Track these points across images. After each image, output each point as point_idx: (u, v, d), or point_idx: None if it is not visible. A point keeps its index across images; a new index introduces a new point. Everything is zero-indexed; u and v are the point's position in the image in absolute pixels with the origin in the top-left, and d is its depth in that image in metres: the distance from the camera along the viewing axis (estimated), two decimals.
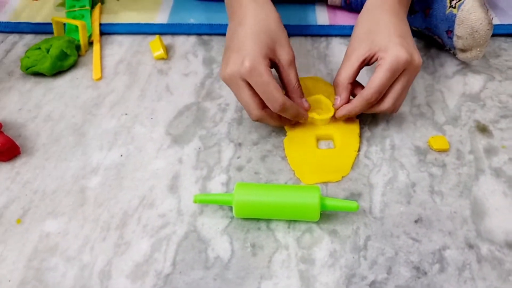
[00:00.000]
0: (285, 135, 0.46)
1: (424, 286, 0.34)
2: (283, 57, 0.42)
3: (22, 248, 0.36)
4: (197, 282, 0.35)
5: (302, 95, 0.44)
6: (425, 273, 0.35)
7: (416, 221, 0.39)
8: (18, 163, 0.43)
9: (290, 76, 0.43)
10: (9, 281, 0.34)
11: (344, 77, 0.43)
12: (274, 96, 0.39)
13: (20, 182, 0.41)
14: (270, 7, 0.44)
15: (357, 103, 0.43)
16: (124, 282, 0.34)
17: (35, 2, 0.64)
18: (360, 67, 0.44)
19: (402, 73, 0.41)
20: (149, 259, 0.36)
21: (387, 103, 0.43)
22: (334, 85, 0.45)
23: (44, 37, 0.57)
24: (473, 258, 0.36)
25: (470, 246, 0.37)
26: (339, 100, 0.45)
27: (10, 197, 0.40)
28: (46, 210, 0.39)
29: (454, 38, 0.51)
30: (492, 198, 0.40)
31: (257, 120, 0.43)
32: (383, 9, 0.44)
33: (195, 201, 0.38)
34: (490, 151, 0.44)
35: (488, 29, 0.49)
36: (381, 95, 0.42)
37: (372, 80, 0.41)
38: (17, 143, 0.44)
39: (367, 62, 0.43)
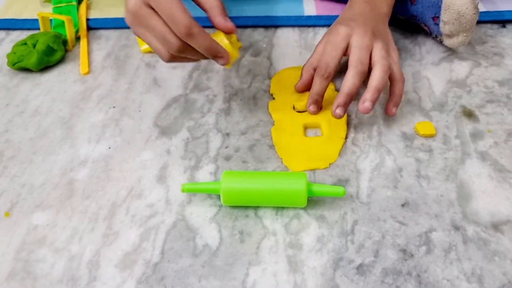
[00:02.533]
0: (273, 124, 0.46)
1: (410, 268, 0.35)
2: None
3: (11, 241, 0.37)
4: (186, 269, 0.35)
5: (224, 13, 0.38)
6: (412, 255, 0.36)
7: (403, 205, 0.39)
8: (6, 157, 0.43)
9: None
10: None
11: (333, 60, 0.45)
12: (178, 18, 0.34)
13: (8, 176, 0.41)
14: None
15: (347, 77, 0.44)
16: (113, 271, 0.35)
17: None
18: (343, 55, 0.45)
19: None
20: (138, 248, 0.36)
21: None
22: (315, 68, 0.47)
23: (31, 33, 0.57)
24: (459, 239, 0.37)
25: (456, 228, 0.37)
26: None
27: None
28: (34, 203, 0.39)
29: (441, 24, 0.51)
30: (478, 181, 0.41)
31: (169, 60, 0.37)
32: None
33: (183, 190, 0.38)
34: (476, 135, 0.45)
35: (474, 13, 0.49)
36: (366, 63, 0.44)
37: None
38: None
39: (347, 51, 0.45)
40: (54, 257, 0.35)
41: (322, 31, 0.58)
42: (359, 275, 0.34)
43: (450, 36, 0.52)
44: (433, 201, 0.39)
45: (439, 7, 0.50)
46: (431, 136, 0.45)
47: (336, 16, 0.59)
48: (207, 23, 0.39)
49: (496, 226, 0.37)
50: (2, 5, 0.62)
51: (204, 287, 0.34)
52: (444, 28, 0.51)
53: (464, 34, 0.51)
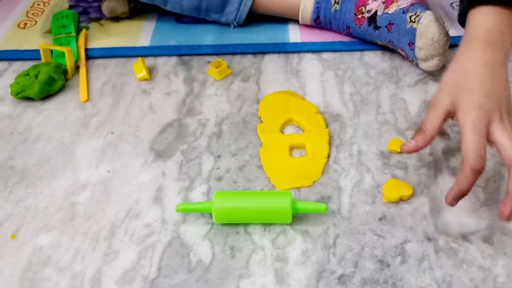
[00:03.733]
0: (261, 146, 0.49)
1: (387, 277, 0.38)
2: None
3: (17, 261, 0.39)
4: (181, 284, 0.38)
5: None
6: (388, 265, 0.39)
7: (380, 219, 0.42)
8: (11, 183, 0.46)
9: None
10: None
11: (431, 127, 0.40)
12: None
13: (13, 201, 0.44)
14: None
15: (462, 177, 0.38)
16: (113, 287, 0.37)
17: (22, 30, 0.67)
18: (445, 120, 0.41)
19: (490, 124, 0.38)
20: (136, 265, 0.39)
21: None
22: (419, 128, 0.42)
23: (32, 63, 0.61)
24: (431, 249, 0.40)
25: (429, 239, 0.41)
26: (412, 143, 0.41)
27: (4, 214, 0.43)
28: (39, 226, 0.42)
29: (416, 50, 0.55)
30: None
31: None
32: (477, 52, 0.41)
33: (177, 210, 0.41)
34: (447, 152, 0.49)
35: (446, 39, 0.54)
36: (483, 156, 0.37)
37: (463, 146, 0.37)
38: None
39: (451, 116, 0.40)
40: (59, 276, 0.38)
41: (306, 56, 0.62)
42: (340, 285, 0.37)
43: (425, 60, 0.56)
44: (408, 215, 0.43)
45: (414, 35, 0.55)
46: (397, 152, 0.48)
47: (321, 42, 0.63)
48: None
49: (464, 236, 0.41)
50: (3, 36, 0.66)
51: None
52: (420, 53, 0.55)
53: (438, 58, 0.55)
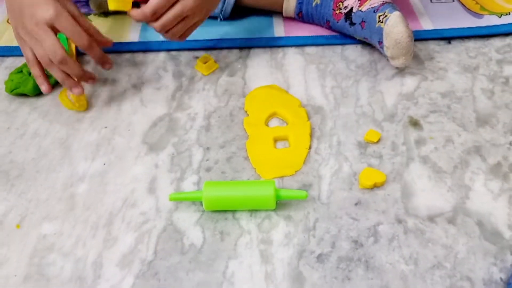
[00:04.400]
0: (247, 138, 0.53)
1: (361, 256, 0.42)
2: (72, 8, 0.50)
3: (23, 249, 0.43)
4: (175, 265, 0.42)
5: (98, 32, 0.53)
6: (362, 245, 0.43)
7: (356, 204, 0.47)
8: (12, 176, 0.49)
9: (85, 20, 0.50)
10: (15, 276, 0.41)
11: None
12: (81, 34, 0.48)
13: (16, 193, 0.47)
14: None
15: (137, 13, 0.51)
16: (114, 269, 0.41)
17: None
18: None
19: (177, 2, 0.49)
20: (134, 250, 0.43)
21: (156, 23, 0.51)
22: None
23: (23, 59, 0.62)
24: (401, 230, 0.44)
25: (399, 221, 0.45)
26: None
27: (8, 206, 0.46)
28: (41, 216, 0.45)
29: (384, 48, 0.58)
30: (419, 181, 0.49)
31: (61, 62, 0.49)
32: None
33: (170, 199, 0.45)
34: (419, 142, 0.53)
35: (408, 40, 0.56)
36: (157, 15, 0.50)
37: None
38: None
39: None
40: (63, 261, 0.42)
41: (290, 51, 0.65)
42: (319, 263, 0.42)
43: (392, 58, 0.58)
44: (381, 200, 0.47)
45: (381, 34, 0.58)
46: (374, 142, 0.52)
47: (304, 37, 0.66)
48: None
49: (431, 218, 0.45)
50: None
51: (191, 279, 0.41)
52: (387, 51, 0.58)
53: (404, 57, 0.57)
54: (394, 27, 0.56)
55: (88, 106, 0.56)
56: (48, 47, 0.48)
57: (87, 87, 0.60)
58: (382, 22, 0.57)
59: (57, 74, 0.51)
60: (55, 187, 0.48)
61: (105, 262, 0.42)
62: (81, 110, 0.55)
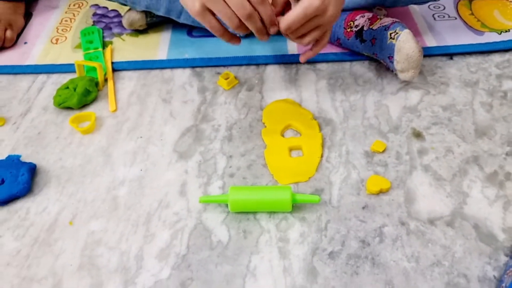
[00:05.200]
0: (265, 147, 0.59)
1: (367, 254, 0.48)
2: None
3: (76, 243, 0.50)
4: (205, 259, 0.48)
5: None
6: (369, 244, 0.49)
7: (363, 208, 0.52)
8: (63, 180, 0.56)
9: None
10: (71, 265, 0.47)
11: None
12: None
13: (67, 195, 0.54)
14: None
15: (281, 24, 0.51)
16: (153, 261, 0.48)
17: (55, 45, 0.76)
18: None
19: (315, 17, 0.50)
20: (170, 244, 0.49)
21: (301, 40, 0.53)
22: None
23: (67, 75, 0.70)
24: (404, 232, 0.50)
25: (402, 224, 0.51)
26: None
27: (60, 206, 0.53)
28: (89, 214, 0.52)
29: (394, 62, 0.64)
30: (421, 188, 0.54)
31: (237, 29, 0.50)
32: None
33: (200, 201, 0.51)
34: (422, 152, 0.58)
35: (419, 55, 0.62)
36: (293, 29, 0.51)
37: (287, 14, 0.50)
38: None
39: None
40: (109, 253, 0.49)
41: (303, 67, 0.71)
42: (330, 259, 0.48)
43: (402, 71, 0.64)
44: (386, 204, 0.53)
45: (393, 50, 0.63)
46: (380, 152, 0.57)
47: None
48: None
49: (431, 221, 0.51)
50: (41, 51, 0.75)
51: (219, 271, 0.47)
52: (397, 65, 0.64)
53: (413, 71, 0.63)
54: (405, 43, 0.61)
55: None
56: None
57: (122, 96, 0.66)
58: (393, 39, 0.62)
59: (252, 25, 0.51)
60: (100, 190, 0.55)
61: (145, 255, 0.48)
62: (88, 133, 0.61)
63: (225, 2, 0.48)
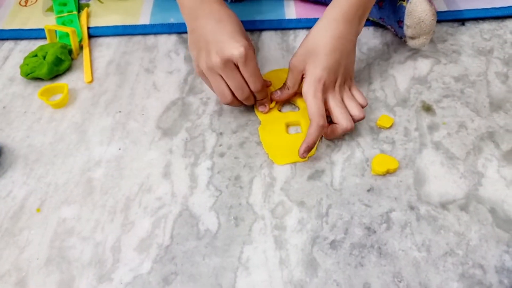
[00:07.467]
0: (259, 123, 0.53)
1: (373, 242, 0.43)
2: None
3: (44, 232, 0.44)
4: (192, 250, 0.43)
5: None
6: (375, 232, 0.44)
7: (368, 190, 0.47)
8: (30, 160, 0.50)
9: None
10: (37, 259, 0.42)
11: (292, 85, 0.52)
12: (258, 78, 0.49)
13: (35, 177, 0.48)
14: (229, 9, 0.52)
15: (310, 131, 0.47)
16: (132, 254, 0.42)
17: (24, 8, 0.68)
18: (302, 79, 0.51)
19: (324, 92, 0.48)
20: (151, 234, 0.44)
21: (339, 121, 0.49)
22: (283, 85, 0.53)
23: (37, 42, 0.63)
24: (413, 217, 0.45)
25: (412, 208, 0.46)
26: (278, 94, 0.53)
27: (28, 190, 0.47)
28: (60, 200, 0.46)
29: (404, 27, 0.58)
30: (431, 168, 0.49)
31: (228, 104, 0.50)
32: (331, 27, 0.49)
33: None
34: (432, 128, 0.53)
35: (432, 19, 0.56)
36: (324, 116, 0.47)
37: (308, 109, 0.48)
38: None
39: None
40: (83, 245, 0.43)
41: (302, 33, 0.65)
42: (332, 249, 0.43)
43: (412, 38, 0.58)
44: (394, 186, 0.47)
45: (403, 13, 0.57)
46: (386, 128, 0.52)
47: (315, 19, 0.65)
48: None
49: (443, 205, 0.46)
50: (7, 15, 0.67)
51: (207, 264, 0.42)
52: (408, 31, 0.58)
53: (424, 37, 0.58)
54: (417, 5, 0.55)
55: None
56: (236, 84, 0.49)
57: (99, 65, 0.60)
58: (404, 1, 0.57)
59: (247, 103, 0.52)
60: (73, 171, 0.49)
61: (124, 247, 0.43)
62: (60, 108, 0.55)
63: (225, 82, 0.49)
